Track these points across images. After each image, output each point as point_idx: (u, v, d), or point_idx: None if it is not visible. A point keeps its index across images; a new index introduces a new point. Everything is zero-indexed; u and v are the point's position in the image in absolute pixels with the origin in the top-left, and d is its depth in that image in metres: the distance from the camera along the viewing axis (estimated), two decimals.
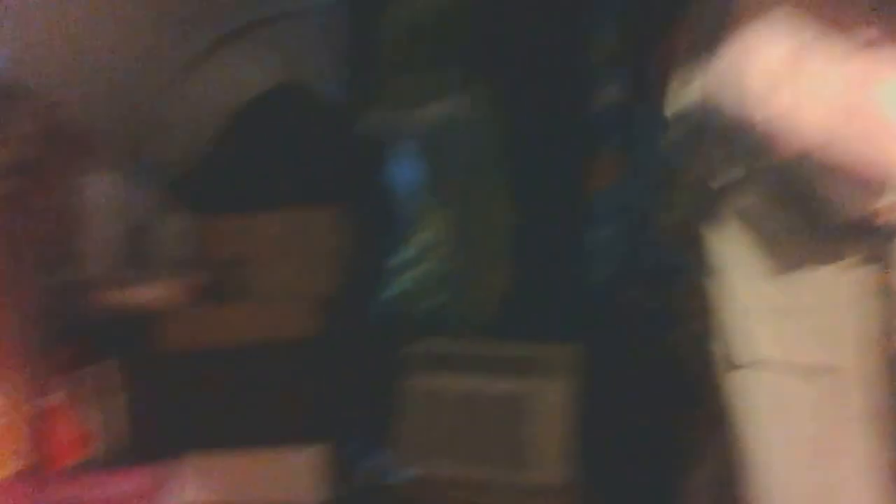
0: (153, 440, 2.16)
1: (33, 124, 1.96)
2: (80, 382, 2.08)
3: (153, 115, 2.53)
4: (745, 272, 1.36)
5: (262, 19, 2.67)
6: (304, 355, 2.24)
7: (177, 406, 2.18)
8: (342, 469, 2.26)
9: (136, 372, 2.19)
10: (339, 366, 2.40)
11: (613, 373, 2.15)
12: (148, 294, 2.20)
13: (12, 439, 1.90)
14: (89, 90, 2.23)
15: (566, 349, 2.16)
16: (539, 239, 2.42)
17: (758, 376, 1.32)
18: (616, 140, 2.16)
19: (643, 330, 2.12)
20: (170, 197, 2.42)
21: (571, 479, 2.05)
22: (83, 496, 1.96)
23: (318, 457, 2.12)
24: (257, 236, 2.30)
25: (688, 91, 1.31)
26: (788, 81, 1.28)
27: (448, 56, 2.54)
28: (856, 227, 1.35)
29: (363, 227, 2.59)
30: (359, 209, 2.54)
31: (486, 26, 2.43)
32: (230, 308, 2.26)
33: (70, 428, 2.06)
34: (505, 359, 2.20)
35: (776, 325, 1.35)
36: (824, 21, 1.27)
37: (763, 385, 1.33)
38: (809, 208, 1.35)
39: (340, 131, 2.62)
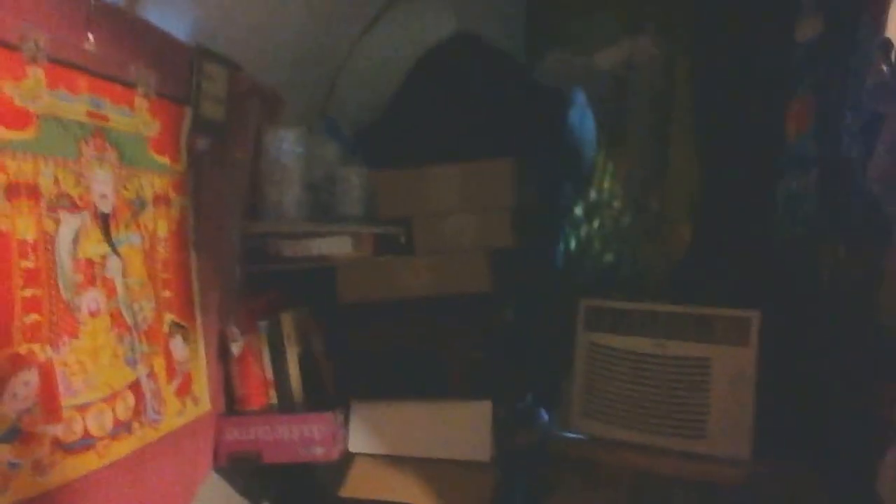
0: (332, 389, 2.27)
1: (226, 85, 2.05)
2: (265, 331, 2.19)
3: (336, 74, 2.63)
4: None
5: None
6: (479, 309, 2.24)
7: (355, 356, 2.27)
8: (512, 426, 2.26)
9: (318, 322, 2.30)
10: (514, 321, 2.41)
11: (802, 340, 1.96)
12: (332, 246, 2.26)
13: (199, 383, 2.02)
14: (276, 53, 2.32)
15: (750, 313, 2.01)
16: (724, 194, 2.26)
17: None
18: (814, 78, 1.92)
19: (838, 293, 1.91)
20: (352, 152, 2.49)
21: (751, 452, 1.90)
22: (263, 439, 2.08)
23: (489, 413, 2.12)
24: (436, 189, 2.30)
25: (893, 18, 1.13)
26: None
27: None
28: None
29: (543, 178, 2.57)
30: (538, 160, 2.49)
31: None
32: (409, 261, 2.29)
33: (254, 374, 2.18)
34: (684, 321, 2.09)
35: None
36: None
37: None
38: None
39: (518, 79, 2.57)
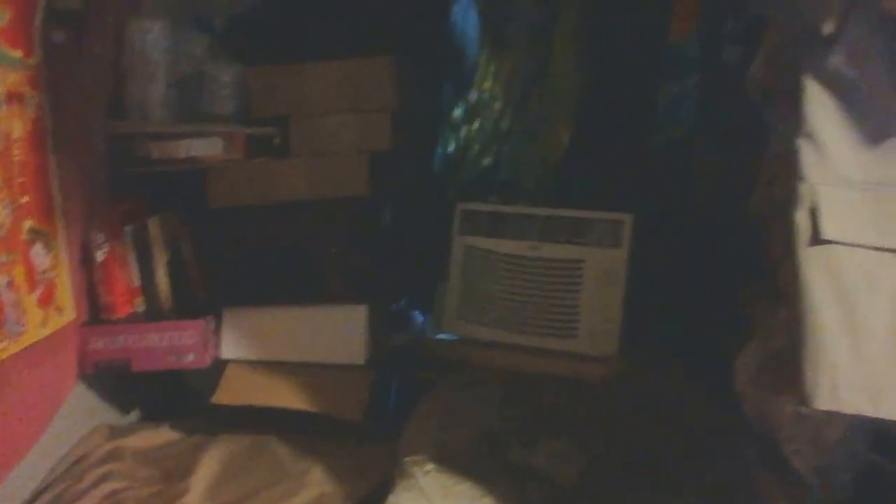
0: (202, 295, 2.24)
1: None
2: (130, 237, 2.14)
3: None
4: (840, 137, 1.26)
5: None
6: (356, 213, 2.24)
7: (227, 261, 2.23)
8: (387, 329, 2.30)
9: (188, 227, 2.24)
10: (391, 224, 2.43)
11: (673, 241, 2.07)
12: (202, 148, 2.19)
13: (63, 292, 1.95)
14: None
15: (622, 216, 2.10)
16: (604, 96, 2.30)
17: (841, 254, 1.24)
18: None
19: (712, 195, 2.03)
20: (222, 48, 2.36)
21: (620, 350, 2.02)
22: (131, 347, 2.05)
23: (365, 316, 2.15)
24: (313, 87, 2.25)
25: None
26: None
27: None
28: None
29: (423, 78, 2.54)
30: (419, 59, 2.45)
31: None
32: (284, 163, 2.25)
33: (120, 281, 2.13)
34: (559, 223, 2.16)
35: (861, 200, 1.25)
36: None
37: (839, 265, 1.24)
38: None
39: None
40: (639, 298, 2.06)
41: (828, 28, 1.23)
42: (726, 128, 1.90)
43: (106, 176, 2.11)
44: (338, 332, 2.15)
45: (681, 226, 2.11)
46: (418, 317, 2.51)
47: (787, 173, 1.30)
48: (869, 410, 1.22)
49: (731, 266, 1.84)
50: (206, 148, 2.19)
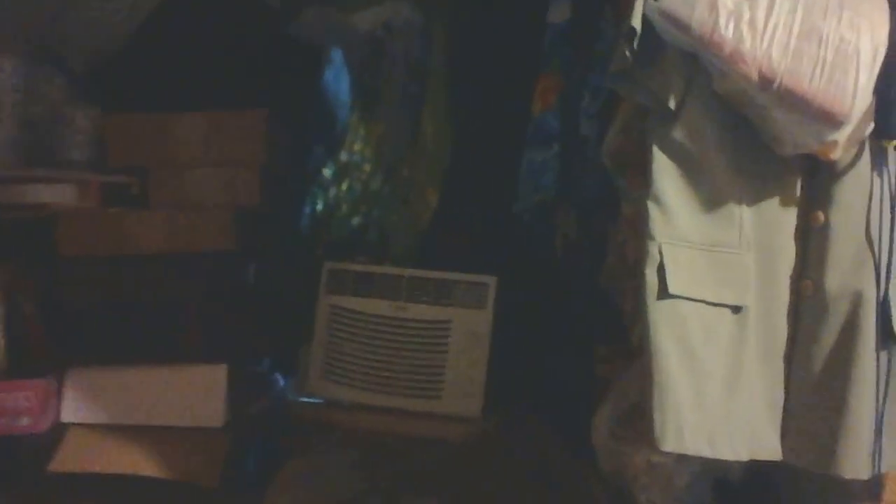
0: (43, 352, 2.14)
1: None
2: None
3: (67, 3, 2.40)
4: (681, 202, 1.41)
5: None
6: (215, 268, 2.24)
7: (73, 316, 2.16)
8: (247, 390, 2.26)
9: (29, 278, 2.15)
10: (254, 281, 2.42)
11: (534, 305, 2.17)
12: (52, 194, 2.14)
13: None
14: None
15: (487, 279, 2.17)
16: (471, 162, 2.38)
17: (684, 307, 1.38)
18: (561, 60, 2.10)
19: (570, 260, 2.12)
20: (80, 90, 2.32)
21: (484, 409, 2.07)
22: None
23: (224, 377, 2.10)
24: (178, 138, 2.25)
25: (637, 10, 1.30)
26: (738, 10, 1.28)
27: None
28: (797, 163, 1.39)
29: (293, 136, 2.56)
30: (287, 116, 2.48)
31: None
32: (140, 214, 2.22)
33: None
34: (426, 284, 2.20)
35: (699, 260, 1.41)
36: None
37: (682, 317, 1.38)
38: (750, 141, 1.38)
39: (272, 29, 2.50)
40: (502, 358, 2.12)
41: (671, 104, 1.39)
42: (584, 195, 2.03)
43: None
44: (195, 394, 2.09)
45: (542, 288, 2.20)
46: (281, 379, 2.47)
47: (638, 233, 1.42)
48: (707, 452, 1.35)
49: (588, 328, 1.95)
50: (56, 194, 2.14)
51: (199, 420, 2.08)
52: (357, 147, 2.58)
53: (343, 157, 2.59)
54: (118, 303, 2.16)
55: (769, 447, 1.44)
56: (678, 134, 1.41)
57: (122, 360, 2.11)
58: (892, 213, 1.41)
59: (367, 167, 2.56)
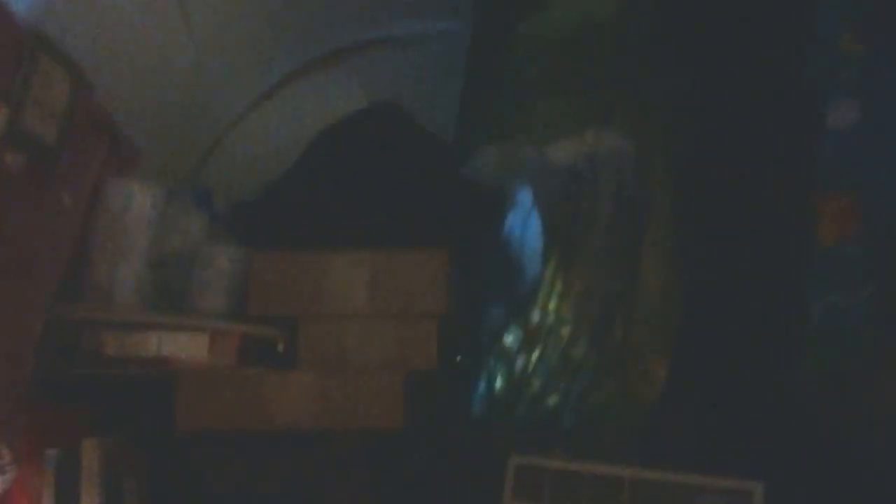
0: None
1: (67, 98, 1.73)
2: (52, 465, 1.77)
3: (216, 142, 2.46)
4: None
5: (357, 45, 2.62)
6: (380, 453, 1.95)
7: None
8: None
9: (139, 455, 1.91)
10: (418, 473, 2.05)
11: None
12: (179, 346, 1.88)
13: None
14: (147, 102, 2.12)
15: (750, 485, 1.71)
16: (716, 318, 1.99)
17: None
18: (851, 178, 1.77)
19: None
20: (224, 229, 2.17)
21: None
22: None
23: None
24: (335, 282, 2.01)
25: None
26: None
27: (597, 76, 2.22)
28: None
29: (470, 290, 2.27)
30: (465, 265, 2.22)
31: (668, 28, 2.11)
32: (285, 377, 1.96)
33: None
34: (657, 491, 1.79)
35: None
36: None
37: None
38: None
39: (447, 163, 2.34)
40: None
41: None
42: None
43: (36, 372, 1.74)
44: None
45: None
46: None
47: None
48: None
49: None
50: (184, 346, 1.88)
51: None
52: (552, 306, 2.24)
53: (534, 318, 2.27)
54: (251, 495, 1.88)
55: None
56: None
57: None
58: None
59: (566, 331, 2.20)
